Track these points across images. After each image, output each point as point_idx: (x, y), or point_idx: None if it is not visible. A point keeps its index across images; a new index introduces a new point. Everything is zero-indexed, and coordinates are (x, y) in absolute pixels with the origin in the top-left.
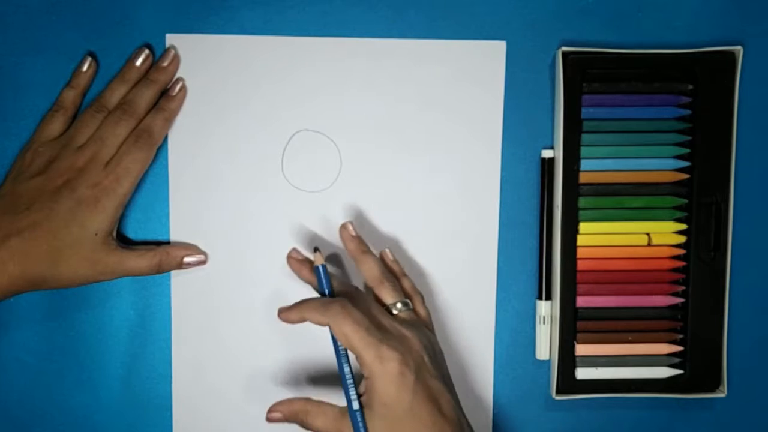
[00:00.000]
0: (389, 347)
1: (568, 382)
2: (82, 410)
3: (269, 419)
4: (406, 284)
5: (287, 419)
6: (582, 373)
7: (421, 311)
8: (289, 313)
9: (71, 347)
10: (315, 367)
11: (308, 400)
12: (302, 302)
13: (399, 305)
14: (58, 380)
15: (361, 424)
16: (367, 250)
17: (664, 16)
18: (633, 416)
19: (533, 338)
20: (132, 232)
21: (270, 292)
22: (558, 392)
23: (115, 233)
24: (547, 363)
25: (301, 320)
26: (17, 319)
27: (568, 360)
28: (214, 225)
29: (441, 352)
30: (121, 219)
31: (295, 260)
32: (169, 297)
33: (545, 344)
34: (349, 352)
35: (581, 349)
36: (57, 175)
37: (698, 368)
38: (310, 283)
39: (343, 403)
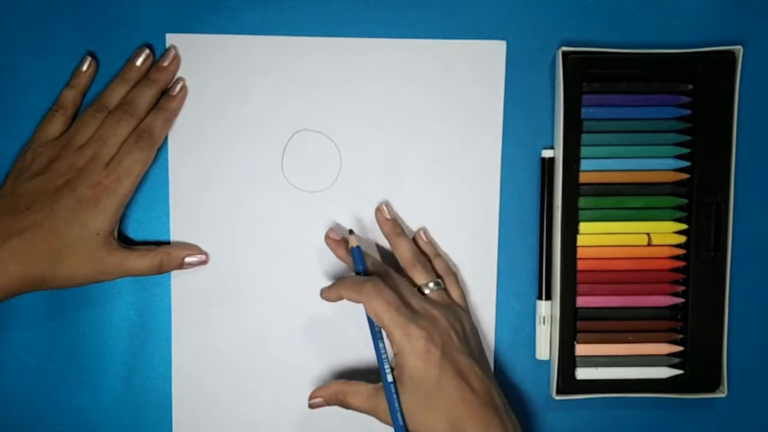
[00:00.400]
0: (417, 326)
1: (568, 382)
2: (82, 410)
3: (312, 405)
4: (439, 264)
5: (328, 402)
6: (582, 373)
7: (454, 291)
8: (329, 292)
9: (71, 347)
10: (315, 367)
11: (343, 381)
12: (339, 281)
13: (431, 284)
14: (58, 380)
15: (394, 396)
16: (401, 232)
17: (664, 16)
18: (633, 416)
19: (533, 338)
20: (132, 232)
21: (270, 291)
22: (558, 392)
23: (116, 233)
24: (547, 363)
25: (339, 298)
26: (17, 319)
27: (568, 360)
28: (214, 225)
29: (474, 329)
30: (122, 219)
31: (333, 240)
32: (169, 297)
33: (545, 344)
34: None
35: (581, 349)
36: (57, 175)
37: (698, 368)
38: (345, 261)
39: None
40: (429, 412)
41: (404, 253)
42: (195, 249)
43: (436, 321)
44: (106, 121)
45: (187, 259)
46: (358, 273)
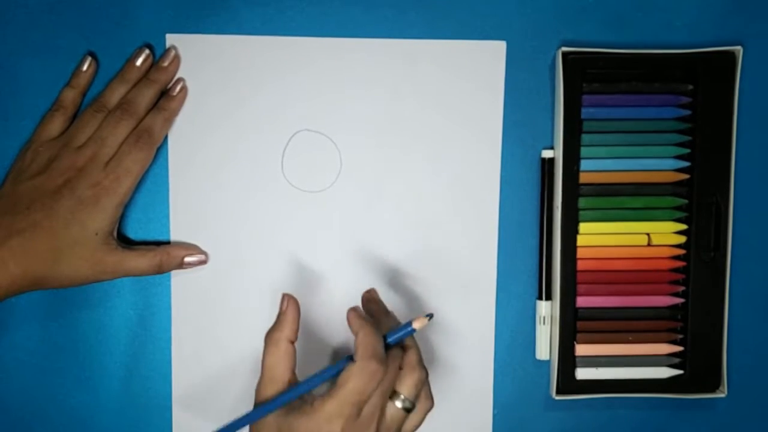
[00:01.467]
0: (345, 420)
1: (568, 382)
2: (82, 410)
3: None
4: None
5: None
6: (582, 373)
7: (414, 417)
8: (354, 321)
9: (71, 347)
10: (315, 367)
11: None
12: (368, 328)
13: (406, 404)
14: (58, 380)
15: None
16: (413, 343)
17: (664, 16)
18: (633, 416)
19: (533, 338)
20: (132, 232)
21: (270, 291)
22: (558, 392)
23: (115, 233)
24: (547, 363)
25: (354, 334)
26: (17, 319)
27: (568, 360)
28: (214, 225)
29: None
30: (121, 219)
31: (356, 317)
32: (169, 297)
33: (545, 344)
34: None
35: (581, 349)
36: (57, 175)
37: (698, 368)
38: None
39: None
40: None
41: (412, 357)
42: (195, 249)
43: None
44: (106, 121)
45: (187, 259)
46: (384, 339)
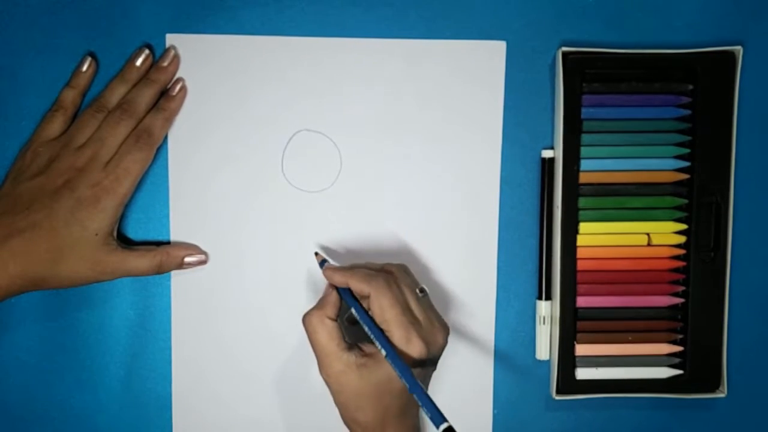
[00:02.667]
0: (418, 335)
1: (568, 382)
2: (82, 410)
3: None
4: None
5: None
6: (582, 373)
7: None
8: (335, 275)
9: (71, 347)
10: (315, 367)
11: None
12: (349, 268)
13: (419, 289)
14: (58, 380)
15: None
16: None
17: (664, 16)
18: (633, 416)
19: (533, 338)
20: (132, 232)
21: (270, 291)
22: (558, 392)
23: (115, 233)
24: (547, 363)
25: (344, 284)
26: (17, 319)
27: (568, 360)
28: (214, 225)
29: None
30: (122, 219)
31: (330, 270)
32: (169, 297)
33: (545, 344)
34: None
35: (581, 349)
36: (57, 175)
37: (698, 368)
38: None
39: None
40: (371, 407)
41: (382, 265)
42: (195, 249)
43: (434, 335)
44: (106, 121)
45: (187, 259)
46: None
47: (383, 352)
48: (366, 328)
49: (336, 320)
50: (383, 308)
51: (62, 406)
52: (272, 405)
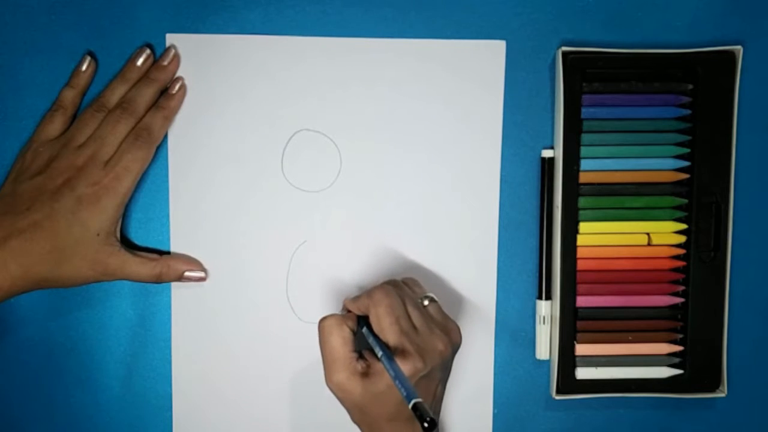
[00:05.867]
0: (411, 342)
1: (568, 382)
2: (82, 410)
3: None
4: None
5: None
6: (582, 373)
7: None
8: (350, 305)
9: (71, 347)
10: (315, 366)
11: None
12: (356, 301)
13: (425, 301)
14: (58, 380)
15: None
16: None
17: (664, 15)
18: (633, 416)
19: (533, 338)
20: (132, 232)
21: (270, 290)
22: (558, 392)
23: (118, 233)
24: (547, 363)
25: (356, 311)
26: (17, 319)
27: (568, 360)
28: (213, 224)
29: (453, 356)
30: (123, 219)
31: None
32: (169, 297)
33: (545, 344)
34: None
35: (581, 349)
36: (57, 175)
37: (698, 368)
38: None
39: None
40: (375, 413)
41: (382, 284)
42: (196, 264)
43: (433, 344)
44: (105, 120)
45: (187, 274)
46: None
47: (381, 360)
48: (370, 340)
49: (354, 332)
50: (379, 317)
51: (62, 406)
52: (273, 405)
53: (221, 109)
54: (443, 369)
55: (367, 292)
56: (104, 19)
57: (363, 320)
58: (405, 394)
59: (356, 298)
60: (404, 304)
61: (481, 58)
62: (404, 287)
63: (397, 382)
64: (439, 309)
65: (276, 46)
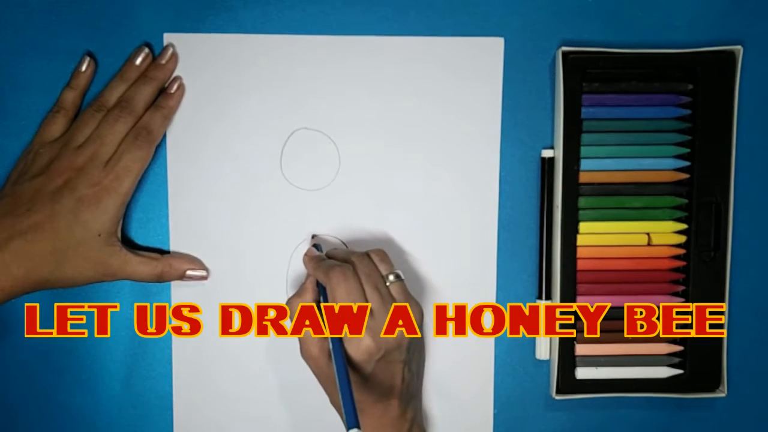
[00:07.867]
0: (366, 327)
1: (568, 382)
2: (82, 410)
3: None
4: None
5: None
6: (582, 373)
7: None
8: (308, 263)
9: (71, 347)
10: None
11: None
12: (320, 258)
13: (391, 277)
14: (58, 380)
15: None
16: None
17: (664, 15)
18: (633, 416)
19: (533, 338)
20: (132, 231)
21: (269, 289)
22: (558, 392)
23: (119, 233)
24: (547, 363)
25: (312, 274)
26: (17, 319)
27: (568, 360)
28: (212, 223)
29: (422, 340)
30: (123, 218)
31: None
32: (170, 296)
33: (545, 344)
34: None
35: (581, 349)
36: (57, 175)
37: (698, 368)
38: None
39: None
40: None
41: (354, 252)
42: (197, 263)
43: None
44: (104, 119)
45: (189, 273)
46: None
47: (331, 347)
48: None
49: (318, 303)
50: (335, 300)
51: (62, 406)
52: (273, 404)
53: (220, 108)
54: (405, 351)
55: (326, 268)
56: (104, 19)
57: (323, 290)
58: (339, 385)
59: (318, 264)
60: (362, 287)
61: (479, 54)
62: (369, 263)
63: (336, 371)
64: (403, 288)
65: (274, 45)
